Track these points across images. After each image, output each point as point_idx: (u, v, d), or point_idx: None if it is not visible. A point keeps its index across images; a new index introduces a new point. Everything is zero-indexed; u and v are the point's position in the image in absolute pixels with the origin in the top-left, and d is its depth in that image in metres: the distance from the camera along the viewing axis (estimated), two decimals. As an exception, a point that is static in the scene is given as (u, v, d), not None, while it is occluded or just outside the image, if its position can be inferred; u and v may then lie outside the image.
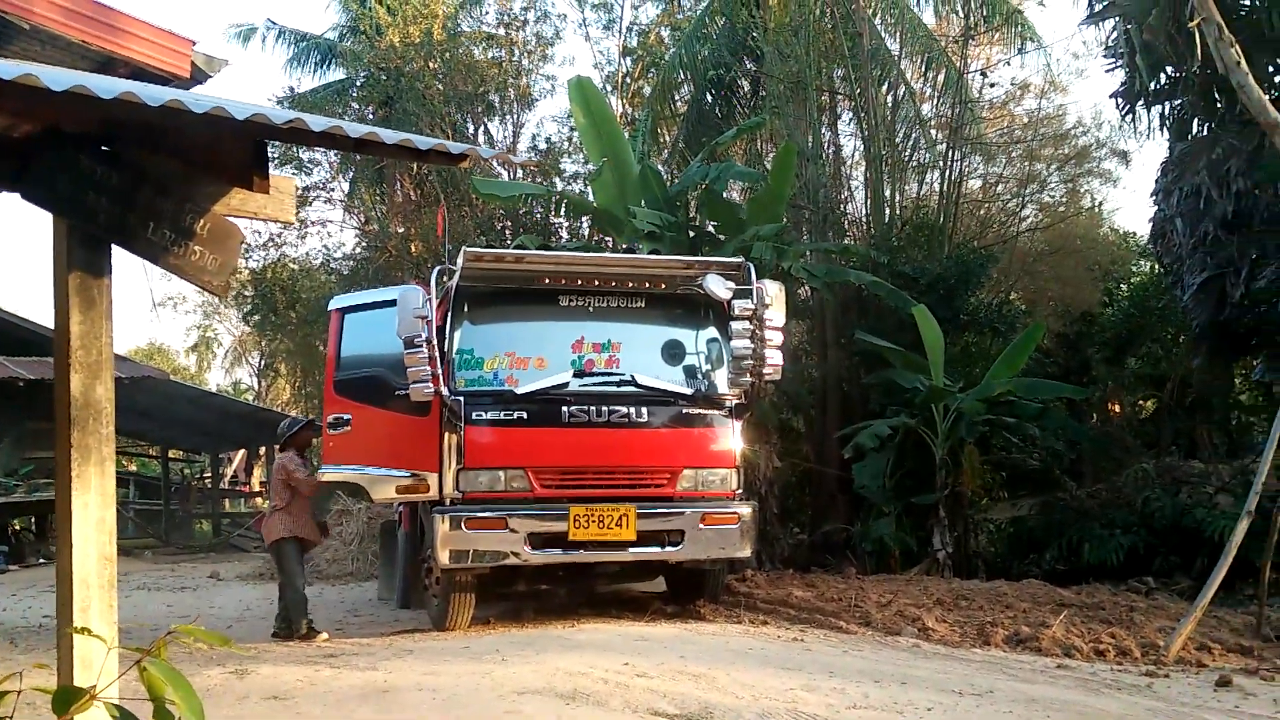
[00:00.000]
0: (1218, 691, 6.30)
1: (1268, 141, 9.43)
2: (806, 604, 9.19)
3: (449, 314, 8.20)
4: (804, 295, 15.75)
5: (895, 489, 12.44)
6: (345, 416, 8.91)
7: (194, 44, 4.99)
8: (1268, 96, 8.50)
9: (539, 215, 18.63)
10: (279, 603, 8.94)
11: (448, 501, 7.96)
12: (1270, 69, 13.08)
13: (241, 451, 31.89)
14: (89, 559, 3.39)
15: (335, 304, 9.68)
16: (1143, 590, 10.50)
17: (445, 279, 8.12)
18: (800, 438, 15.69)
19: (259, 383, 39.12)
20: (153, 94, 2.77)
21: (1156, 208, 14.85)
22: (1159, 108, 14.84)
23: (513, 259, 8.73)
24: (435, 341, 7.66)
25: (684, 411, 8.49)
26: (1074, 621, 8.22)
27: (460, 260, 7.92)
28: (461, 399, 7.91)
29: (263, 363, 36.98)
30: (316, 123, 2.91)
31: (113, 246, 3.44)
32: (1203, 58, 9.96)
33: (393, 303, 7.88)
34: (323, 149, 21.33)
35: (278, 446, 9.44)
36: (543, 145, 20.98)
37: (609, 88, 20.42)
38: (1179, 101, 14.62)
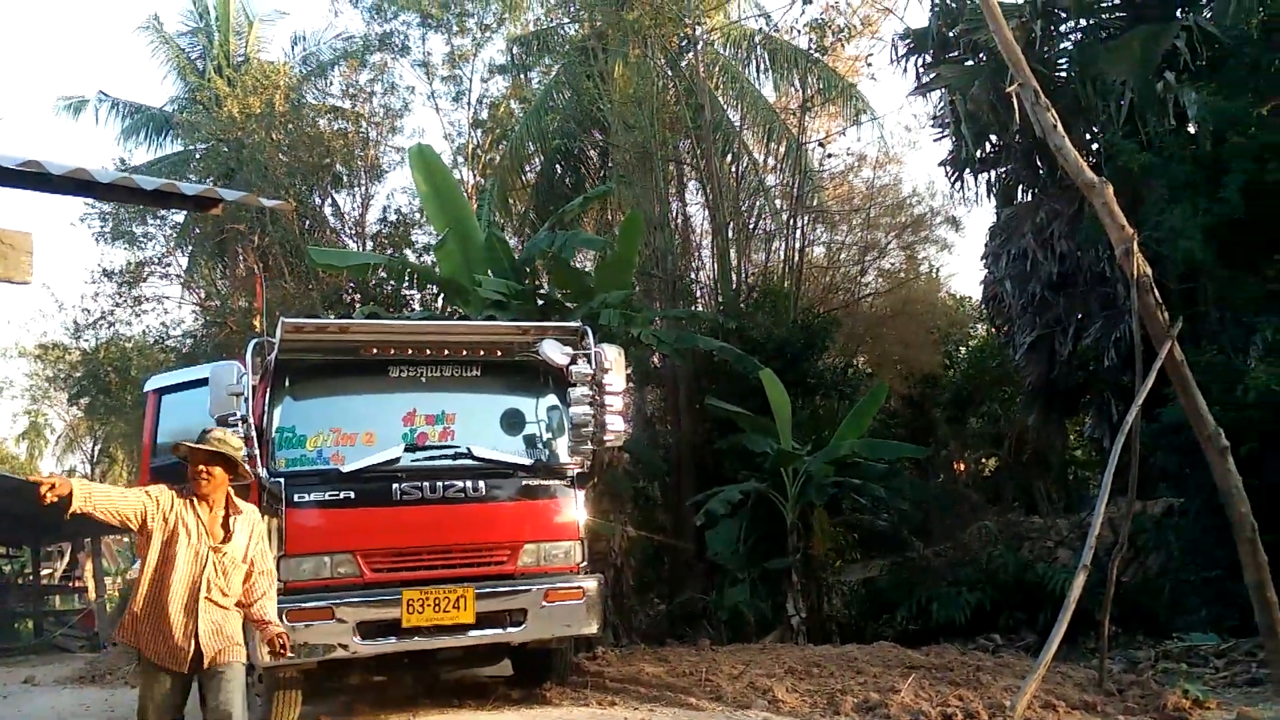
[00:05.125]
0: (1061, 752, 6.26)
1: (1087, 205, 9.85)
2: (658, 680, 8.89)
3: (269, 390, 7.71)
4: (658, 363, 15.74)
5: (749, 555, 12.36)
6: (160, 505, 8.25)
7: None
8: (1085, 163, 8.87)
9: (390, 287, 18.15)
10: None
11: (268, 592, 7.37)
12: (1087, 136, 13.85)
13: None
14: None
15: (151, 384, 9.12)
16: (990, 648, 10.60)
17: (264, 353, 7.65)
18: (656, 506, 15.53)
19: (93, 470, 36.82)
20: None
21: (987, 271, 15.48)
22: (985, 175, 15.59)
23: (336, 329, 8.29)
24: (252, 420, 7.17)
25: (524, 483, 8.14)
26: (922, 685, 8.15)
27: (279, 332, 7.48)
28: (282, 480, 7.39)
29: (96, 449, 34.87)
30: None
31: None
32: (1022, 124, 10.45)
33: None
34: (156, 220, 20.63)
35: None
36: (393, 217, 20.63)
37: (460, 159, 20.25)
38: (1004, 169, 15.36)
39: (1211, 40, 12.26)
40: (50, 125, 67.35)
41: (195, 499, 4.94)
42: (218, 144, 19.90)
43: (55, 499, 4.43)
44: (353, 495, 7.57)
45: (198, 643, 4.77)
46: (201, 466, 4.91)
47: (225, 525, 4.98)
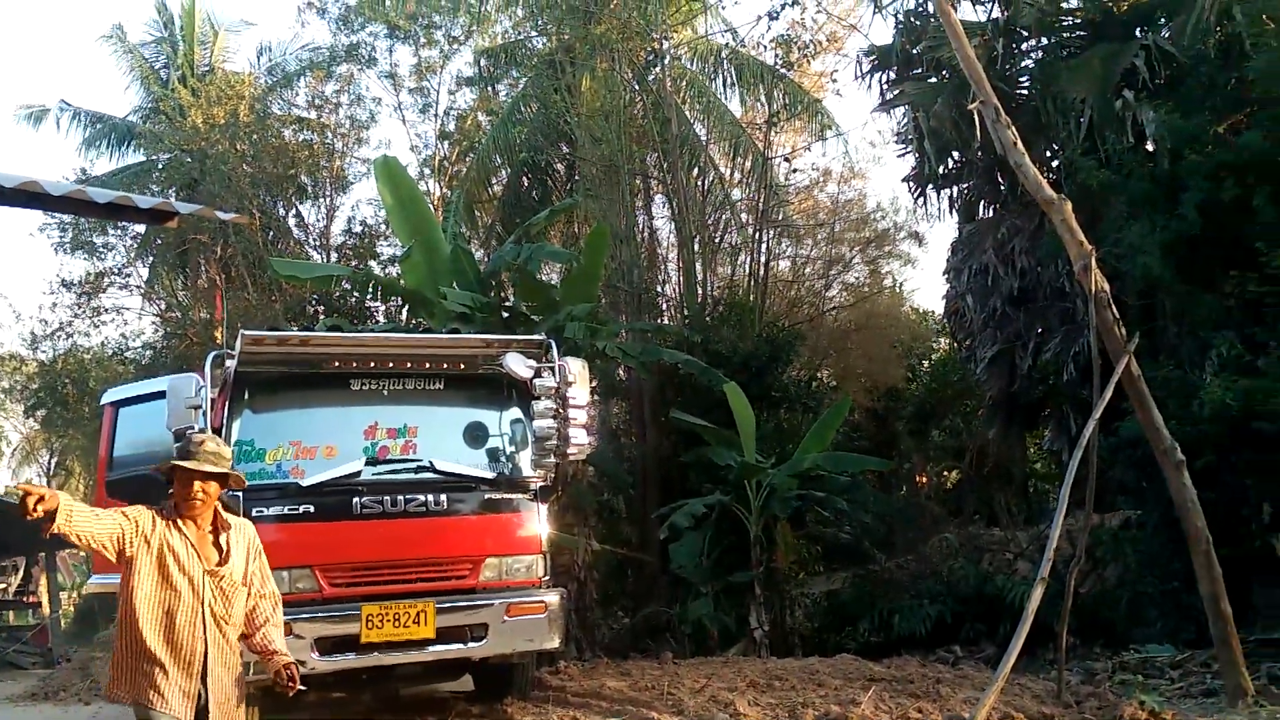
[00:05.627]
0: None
1: (1047, 221, 9.96)
2: (620, 694, 8.85)
3: (228, 402, 7.62)
4: (623, 376, 15.74)
5: (712, 568, 12.35)
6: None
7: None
8: (1046, 179, 8.98)
9: (354, 299, 18.05)
10: None
11: (224, 606, 7.27)
12: (1048, 153, 14.02)
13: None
14: None
15: (108, 397, 9.00)
16: (950, 660, 10.67)
17: (223, 365, 7.56)
18: (621, 519, 15.50)
19: (49, 483, 36.22)
20: None
21: (949, 286, 15.63)
22: (948, 191, 15.76)
23: (296, 341, 8.18)
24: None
25: (486, 497, 8.08)
26: (883, 697, 8.17)
27: (238, 344, 7.40)
28: (240, 494, 7.29)
29: (53, 462, 34.34)
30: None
31: None
32: (984, 141, 10.56)
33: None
34: (117, 230, 20.39)
35: None
36: (358, 228, 20.54)
37: (426, 171, 20.20)
38: (966, 185, 15.53)
39: (1169, 59, 12.47)
40: (10, 135, 66.42)
41: (179, 518, 4.25)
42: (181, 154, 19.76)
43: (43, 513, 3.79)
44: (312, 509, 7.46)
45: (206, 690, 4.20)
46: (196, 484, 4.21)
47: (217, 544, 4.32)
